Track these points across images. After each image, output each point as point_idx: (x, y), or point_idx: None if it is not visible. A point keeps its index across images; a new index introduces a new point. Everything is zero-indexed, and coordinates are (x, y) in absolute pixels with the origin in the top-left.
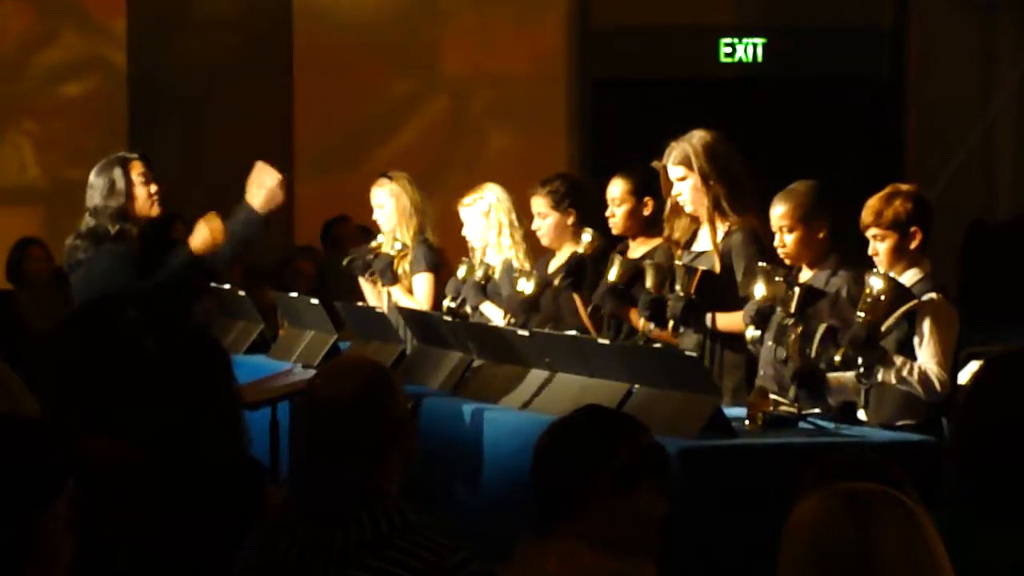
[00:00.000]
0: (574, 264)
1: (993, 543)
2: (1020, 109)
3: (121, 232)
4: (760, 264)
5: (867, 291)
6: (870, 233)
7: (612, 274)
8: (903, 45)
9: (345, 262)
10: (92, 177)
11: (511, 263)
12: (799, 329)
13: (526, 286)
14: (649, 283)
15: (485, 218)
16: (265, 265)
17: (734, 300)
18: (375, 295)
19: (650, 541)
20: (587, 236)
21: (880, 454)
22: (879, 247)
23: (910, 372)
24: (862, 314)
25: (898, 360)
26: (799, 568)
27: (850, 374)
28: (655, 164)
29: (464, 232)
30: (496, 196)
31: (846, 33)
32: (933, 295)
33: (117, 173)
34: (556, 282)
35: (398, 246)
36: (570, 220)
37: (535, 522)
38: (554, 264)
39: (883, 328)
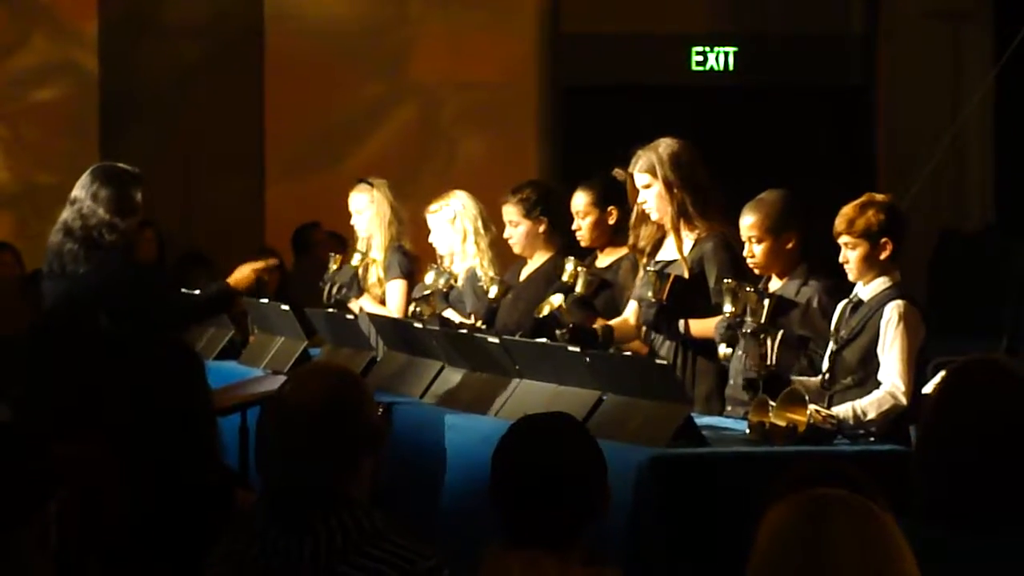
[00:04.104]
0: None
1: (962, 553)
2: (989, 118)
3: (116, 244)
4: (726, 281)
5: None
6: (841, 241)
7: (578, 286)
8: (873, 53)
9: (326, 282)
10: (96, 185)
11: (475, 271)
12: (769, 337)
13: (494, 292)
14: (651, 292)
15: (451, 225)
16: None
17: (706, 306)
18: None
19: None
20: (569, 265)
21: (850, 463)
22: (849, 255)
23: (874, 407)
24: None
25: (858, 409)
26: (763, 572)
27: (815, 379)
28: (616, 173)
29: (431, 239)
30: (462, 203)
31: (816, 41)
32: (899, 301)
33: (138, 194)
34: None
35: (357, 258)
36: (541, 228)
37: (500, 530)
38: (526, 272)
39: (843, 335)
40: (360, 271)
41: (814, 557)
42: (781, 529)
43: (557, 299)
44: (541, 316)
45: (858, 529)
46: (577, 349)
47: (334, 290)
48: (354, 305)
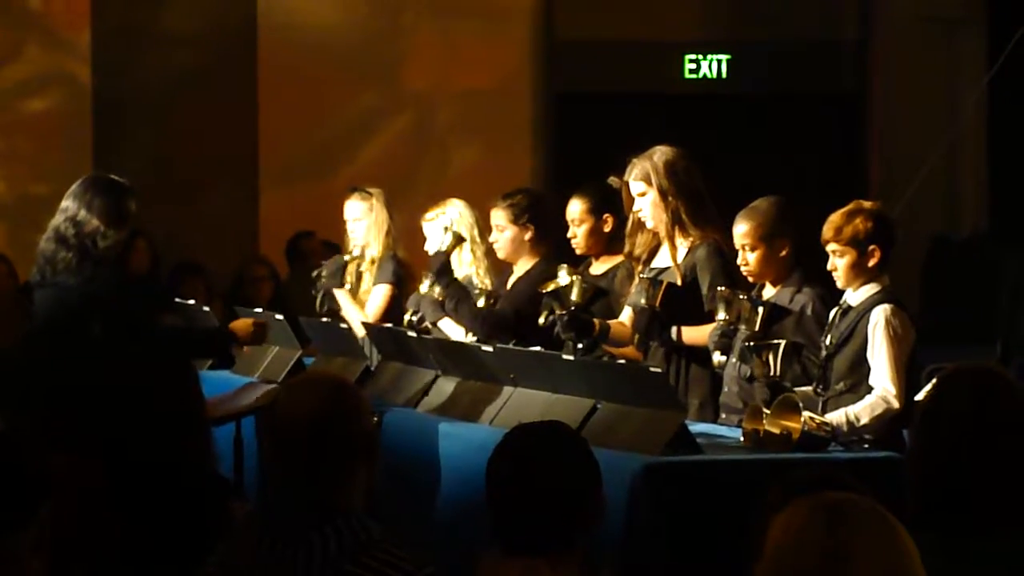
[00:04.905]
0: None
1: (957, 558)
2: (983, 125)
3: (108, 253)
4: (719, 289)
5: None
6: (829, 248)
7: (574, 294)
8: (866, 60)
9: (318, 291)
10: (90, 195)
11: (471, 279)
12: (773, 351)
13: (483, 302)
14: (644, 299)
15: (447, 233)
16: (228, 278)
17: (700, 314)
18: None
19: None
20: (562, 273)
21: (845, 470)
22: (837, 263)
23: (867, 412)
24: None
25: (851, 415)
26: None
27: (810, 388)
28: (611, 180)
29: (426, 247)
30: (458, 212)
31: (809, 48)
32: (885, 306)
33: (131, 204)
34: (541, 320)
35: (356, 252)
36: (527, 235)
37: (495, 539)
38: (512, 280)
39: (832, 342)
40: (351, 270)
41: (830, 560)
42: (795, 533)
43: (564, 279)
44: (547, 291)
45: (872, 531)
46: (571, 357)
47: (321, 278)
48: (338, 293)
